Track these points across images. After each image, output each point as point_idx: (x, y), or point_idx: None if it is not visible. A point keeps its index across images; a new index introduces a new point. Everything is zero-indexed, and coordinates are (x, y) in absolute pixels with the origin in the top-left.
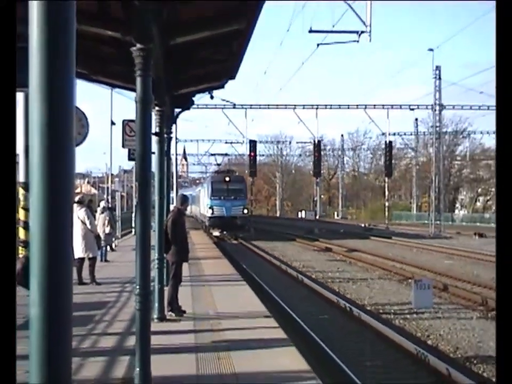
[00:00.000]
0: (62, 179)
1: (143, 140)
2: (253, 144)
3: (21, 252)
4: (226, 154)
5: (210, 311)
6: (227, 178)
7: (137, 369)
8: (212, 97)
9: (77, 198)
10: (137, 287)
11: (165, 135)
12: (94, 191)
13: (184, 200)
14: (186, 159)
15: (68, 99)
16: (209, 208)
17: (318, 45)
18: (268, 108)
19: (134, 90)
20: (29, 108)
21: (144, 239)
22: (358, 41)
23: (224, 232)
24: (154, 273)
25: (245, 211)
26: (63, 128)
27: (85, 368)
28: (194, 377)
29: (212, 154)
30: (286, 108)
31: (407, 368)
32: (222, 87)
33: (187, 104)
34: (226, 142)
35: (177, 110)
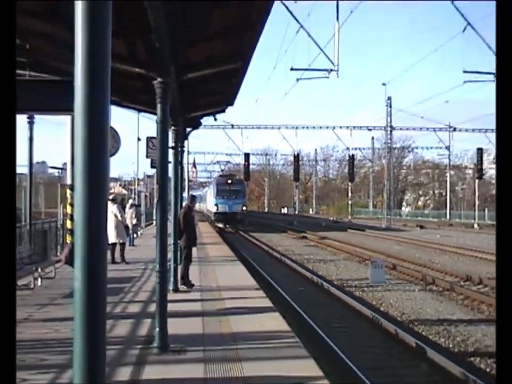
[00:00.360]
0: (99, 182)
1: (162, 152)
2: (246, 156)
3: (69, 238)
4: (228, 162)
5: (213, 284)
6: (229, 181)
7: (157, 329)
8: (215, 119)
9: (111, 197)
10: (157, 265)
11: (179, 149)
12: (124, 191)
13: (193, 198)
14: (195, 167)
15: (104, 120)
16: (215, 205)
17: (297, 79)
18: (259, 128)
19: (155, 114)
20: (74, 127)
21: (162, 228)
22: (328, 77)
23: (227, 225)
24: (170, 255)
25: (244, 208)
26: (101, 142)
27: (117, 328)
28: (201, 335)
29: (216, 162)
30: (272, 128)
31: (365, 329)
32: (223, 111)
33: (196, 124)
34: (226, 154)
35: (188, 129)
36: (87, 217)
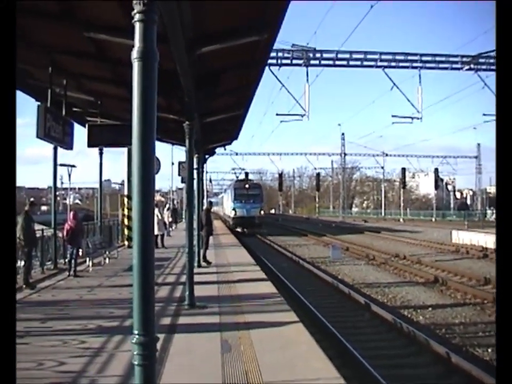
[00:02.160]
0: (148, 192)
1: (190, 172)
2: (246, 174)
3: (126, 231)
4: (243, 169)
5: (225, 261)
6: (247, 186)
7: (187, 292)
8: (225, 149)
9: (155, 203)
10: (187, 248)
11: (200, 169)
12: (162, 199)
13: (210, 203)
14: (211, 182)
15: (151, 151)
16: (233, 209)
17: (281, 121)
18: (254, 154)
19: (184, 145)
20: (132, 155)
21: (190, 224)
22: (301, 119)
23: (245, 230)
24: (195, 241)
25: (261, 212)
26: (149, 165)
27: (159, 292)
28: (216, 296)
29: (232, 169)
30: (264, 154)
31: (327, 291)
32: (230, 144)
33: (212, 153)
34: (233, 173)
35: (206, 156)
36: (141, 217)
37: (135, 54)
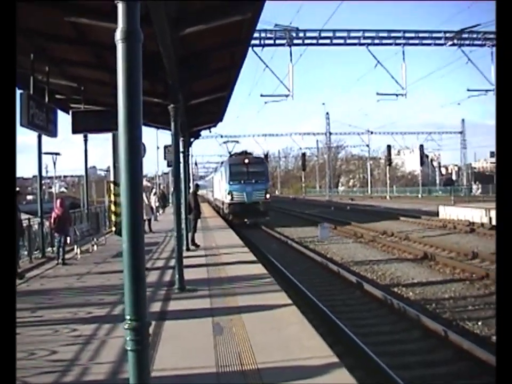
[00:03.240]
0: (136, 177)
1: (176, 155)
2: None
3: (113, 217)
4: (237, 142)
5: (213, 244)
6: (246, 160)
7: (177, 275)
8: (210, 131)
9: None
10: (175, 232)
11: (186, 153)
12: (148, 184)
13: (197, 186)
14: (196, 165)
15: (138, 134)
16: (228, 193)
17: (265, 102)
18: (240, 136)
19: (169, 129)
20: (118, 140)
21: (178, 208)
22: (286, 99)
23: (246, 220)
24: (183, 225)
25: (267, 196)
26: (136, 150)
27: (149, 277)
28: (206, 279)
29: (224, 143)
30: (249, 136)
31: (317, 270)
32: (215, 126)
33: (197, 135)
34: (219, 155)
35: (192, 139)
36: (129, 202)
37: (118, 35)
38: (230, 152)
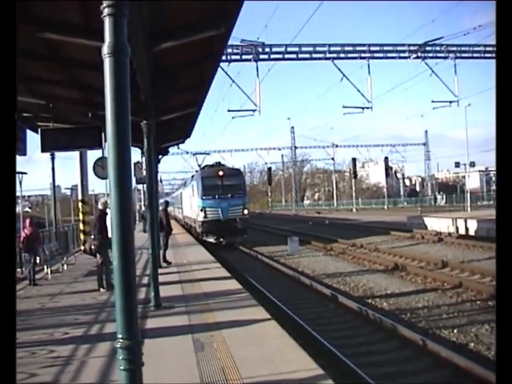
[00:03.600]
0: (125, 195)
1: (150, 172)
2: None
3: (82, 236)
4: (207, 154)
5: (184, 261)
6: (221, 172)
7: (152, 293)
8: (178, 148)
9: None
10: (150, 249)
11: (155, 170)
12: None
13: (167, 204)
14: (161, 182)
15: (126, 149)
16: (201, 210)
17: (232, 117)
18: (205, 153)
19: (138, 146)
20: (85, 159)
21: (152, 225)
22: (253, 115)
23: (222, 240)
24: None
25: (245, 211)
26: (125, 166)
27: None
28: (181, 295)
29: (193, 155)
30: (215, 152)
31: (288, 283)
32: (183, 142)
33: (165, 152)
34: (184, 172)
35: (160, 156)
36: (120, 219)
37: (105, 49)
38: (199, 165)
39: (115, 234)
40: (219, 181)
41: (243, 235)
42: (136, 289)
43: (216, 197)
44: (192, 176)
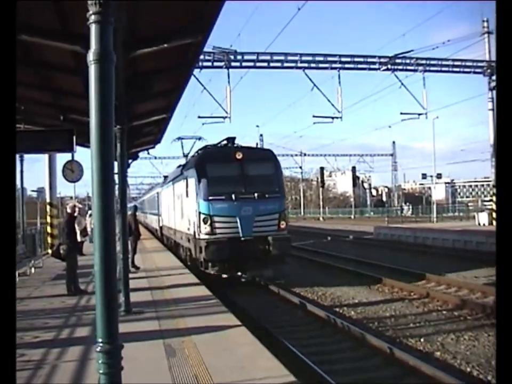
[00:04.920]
0: (109, 201)
1: (122, 177)
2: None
3: (49, 239)
4: (199, 139)
5: (153, 266)
6: (239, 155)
7: (123, 298)
8: (148, 153)
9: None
10: (121, 254)
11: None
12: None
13: (136, 209)
14: (128, 186)
15: (110, 154)
16: (203, 221)
17: (203, 124)
18: (174, 158)
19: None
20: (54, 162)
21: (123, 230)
22: (224, 122)
23: (240, 274)
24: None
25: (283, 224)
26: (107, 172)
27: (91, 300)
28: (152, 301)
29: (177, 139)
30: (184, 157)
31: (260, 294)
32: (154, 147)
33: (135, 157)
34: (151, 177)
35: (130, 161)
36: (102, 224)
37: (91, 56)
38: (185, 154)
39: (97, 240)
40: (236, 170)
41: (278, 265)
42: (116, 293)
43: (232, 198)
44: (182, 166)
